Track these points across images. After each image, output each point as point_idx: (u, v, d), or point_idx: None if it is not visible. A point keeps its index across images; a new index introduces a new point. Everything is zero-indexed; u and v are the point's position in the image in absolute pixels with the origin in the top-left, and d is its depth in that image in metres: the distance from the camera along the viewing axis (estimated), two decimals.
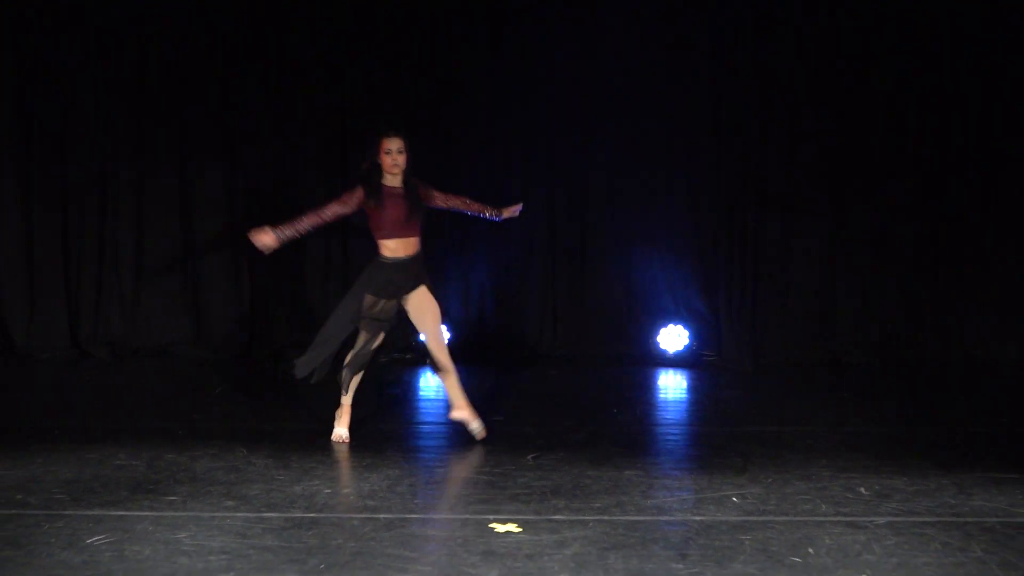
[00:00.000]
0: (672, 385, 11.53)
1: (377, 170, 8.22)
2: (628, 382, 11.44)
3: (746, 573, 6.23)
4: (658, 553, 6.56)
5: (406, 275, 8.34)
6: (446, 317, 12.27)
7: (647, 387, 11.42)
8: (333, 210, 8.29)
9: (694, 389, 11.36)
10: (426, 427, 9.84)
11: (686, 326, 12.31)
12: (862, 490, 7.72)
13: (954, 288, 12.47)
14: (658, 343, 12.28)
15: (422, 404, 10.89)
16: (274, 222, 12.26)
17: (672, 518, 7.20)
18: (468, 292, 12.46)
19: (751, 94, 12.27)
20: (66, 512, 7.11)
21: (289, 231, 8.26)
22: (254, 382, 11.26)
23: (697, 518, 7.18)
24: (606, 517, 7.19)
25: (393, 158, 8.18)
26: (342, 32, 12.33)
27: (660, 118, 12.40)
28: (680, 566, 6.34)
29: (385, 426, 9.58)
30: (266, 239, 8.24)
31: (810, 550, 6.59)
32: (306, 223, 8.28)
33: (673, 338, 12.27)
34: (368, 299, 8.33)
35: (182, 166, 12.43)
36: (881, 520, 7.12)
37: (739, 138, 12.33)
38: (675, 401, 11.10)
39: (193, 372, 11.73)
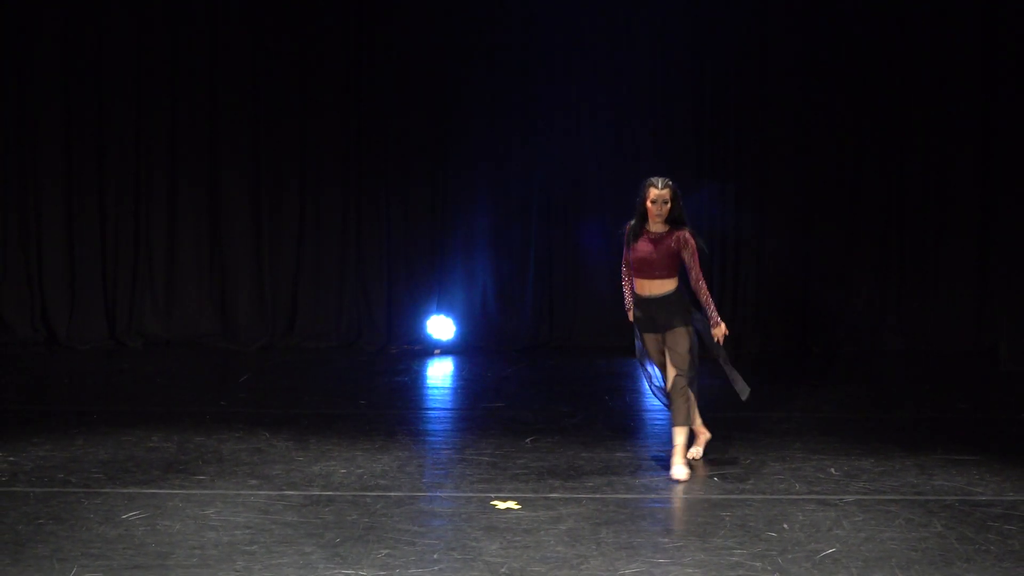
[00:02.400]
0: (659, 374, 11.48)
1: (642, 214, 7.64)
2: (618, 371, 11.42)
3: (726, 547, 6.22)
4: (646, 528, 6.55)
5: (654, 312, 7.63)
6: (452, 312, 12.33)
7: (636, 376, 11.39)
8: (624, 260, 7.74)
9: None
10: (433, 412, 9.82)
11: None
12: (832, 471, 7.71)
13: (914, 286, 12.45)
14: None
15: (429, 391, 10.88)
16: (293, 225, 12.38)
17: (659, 496, 7.19)
18: (472, 288, 12.43)
19: (729, 109, 12.26)
20: (104, 490, 7.10)
21: (630, 305, 7.75)
22: (275, 372, 11.23)
23: (682, 496, 7.17)
24: (598, 495, 7.18)
25: (658, 208, 7.56)
26: (355, 44, 12.27)
27: (647, 128, 12.37)
28: (666, 540, 6.33)
29: (395, 411, 9.56)
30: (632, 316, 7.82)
31: (785, 526, 6.58)
32: (629, 287, 7.74)
33: None
34: (637, 331, 7.81)
35: (211, 172, 12.40)
36: (850, 498, 7.11)
37: (719, 149, 12.32)
38: (661, 389, 11.07)
39: (220, 362, 11.71)
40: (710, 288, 7.70)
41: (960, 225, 12.36)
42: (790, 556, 6.09)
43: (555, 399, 10.05)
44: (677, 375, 7.59)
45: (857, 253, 12.45)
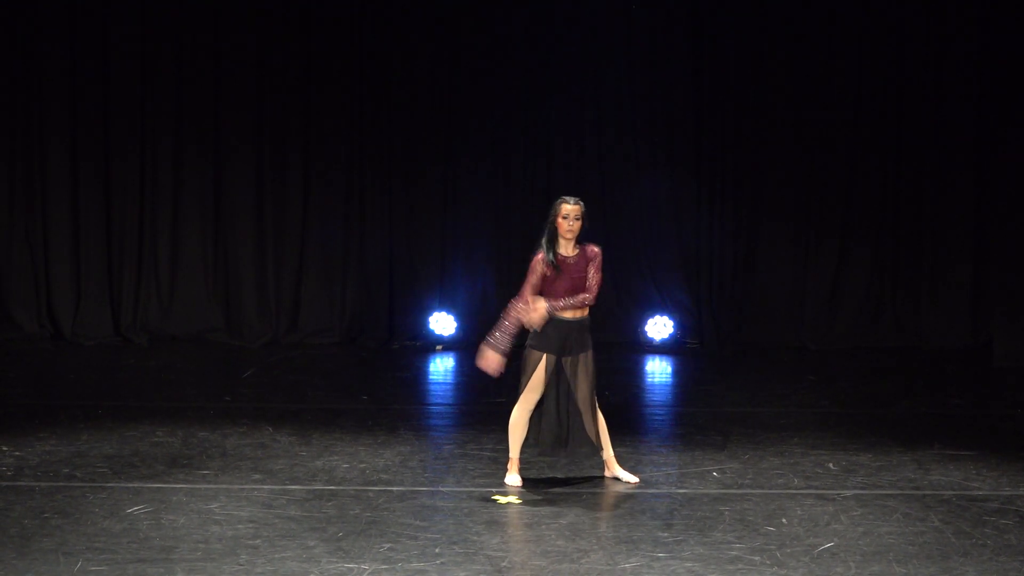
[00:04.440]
0: (658, 370, 11.51)
1: (553, 234, 7.29)
2: (618, 367, 11.40)
3: (725, 541, 6.21)
4: (645, 523, 6.54)
5: (570, 335, 7.16)
6: (454, 308, 12.31)
7: (635, 372, 11.39)
8: (529, 290, 7.21)
9: (678, 374, 11.33)
10: (435, 408, 9.81)
11: (671, 317, 12.27)
12: (831, 465, 7.70)
13: (909, 286, 12.42)
14: (645, 332, 12.24)
15: (431, 387, 10.87)
16: (297, 222, 12.37)
17: (658, 491, 7.18)
18: (473, 285, 12.41)
19: (727, 113, 12.24)
20: (108, 484, 7.10)
21: (505, 340, 7.24)
22: (279, 367, 11.22)
23: (681, 491, 7.16)
24: (598, 490, 7.17)
25: (570, 223, 7.24)
26: (361, 42, 12.25)
27: (647, 131, 12.36)
28: (665, 534, 6.32)
29: (397, 407, 9.55)
30: (492, 362, 7.25)
31: (783, 520, 6.57)
32: (512, 320, 7.23)
33: (659, 328, 12.23)
34: (533, 354, 7.20)
35: (215, 169, 12.38)
36: (848, 493, 7.10)
37: (717, 150, 12.30)
38: (661, 385, 11.08)
39: (224, 358, 11.70)
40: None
41: (956, 222, 12.34)
42: (789, 550, 6.08)
43: None
44: (591, 405, 7.15)
45: (853, 250, 12.43)
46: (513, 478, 7.24)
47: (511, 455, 7.29)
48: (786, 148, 12.37)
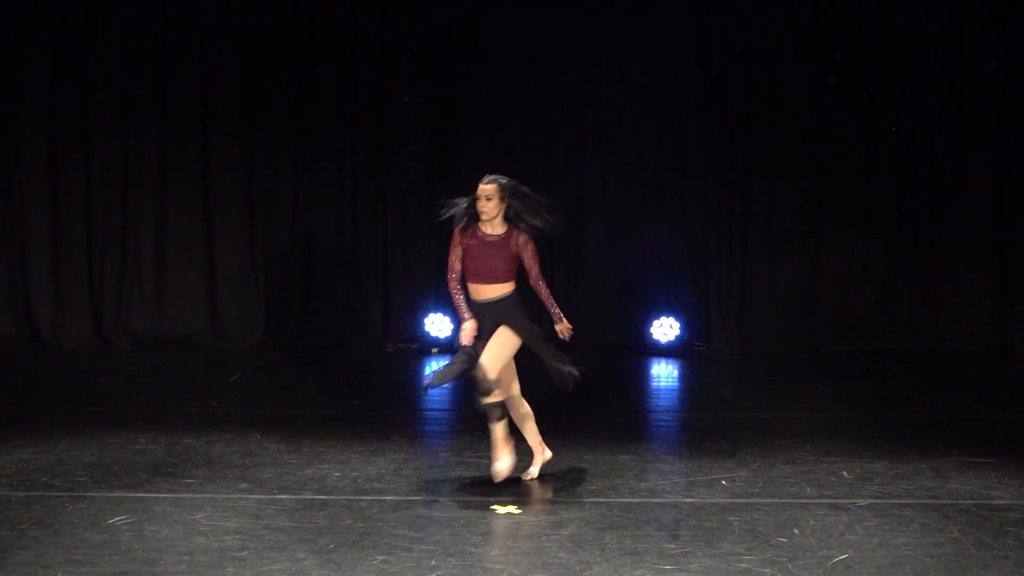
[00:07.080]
0: (664, 374, 11.50)
1: (474, 212, 7.42)
2: (623, 371, 11.41)
3: (734, 552, 6.21)
4: (651, 533, 6.53)
5: (488, 316, 7.36)
6: (450, 309, 12.29)
7: (641, 375, 11.39)
8: (453, 261, 7.42)
9: (685, 377, 11.33)
10: (430, 413, 9.80)
11: (677, 318, 12.26)
12: (844, 473, 7.70)
13: (926, 285, 12.44)
14: (651, 334, 12.24)
15: (426, 391, 10.84)
16: (287, 219, 12.37)
17: (664, 500, 7.18)
18: None
19: (737, 110, 12.24)
20: (89, 494, 7.10)
21: (465, 310, 7.34)
22: (267, 371, 11.22)
23: (688, 500, 7.16)
24: (602, 499, 7.16)
25: (482, 204, 7.38)
26: (353, 41, 12.26)
27: (654, 130, 12.36)
28: (672, 546, 6.32)
29: (391, 412, 9.55)
30: (471, 331, 7.37)
31: (795, 531, 6.57)
32: (457, 292, 7.39)
33: (665, 329, 12.23)
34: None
35: (202, 165, 12.38)
36: (863, 502, 7.10)
37: (726, 147, 12.29)
38: (667, 389, 11.07)
39: (210, 361, 11.70)
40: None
41: (976, 221, 12.36)
42: (801, 562, 6.08)
43: (556, 398, 10.01)
44: (487, 374, 7.31)
45: (870, 250, 12.44)
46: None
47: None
48: (798, 146, 12.37)
